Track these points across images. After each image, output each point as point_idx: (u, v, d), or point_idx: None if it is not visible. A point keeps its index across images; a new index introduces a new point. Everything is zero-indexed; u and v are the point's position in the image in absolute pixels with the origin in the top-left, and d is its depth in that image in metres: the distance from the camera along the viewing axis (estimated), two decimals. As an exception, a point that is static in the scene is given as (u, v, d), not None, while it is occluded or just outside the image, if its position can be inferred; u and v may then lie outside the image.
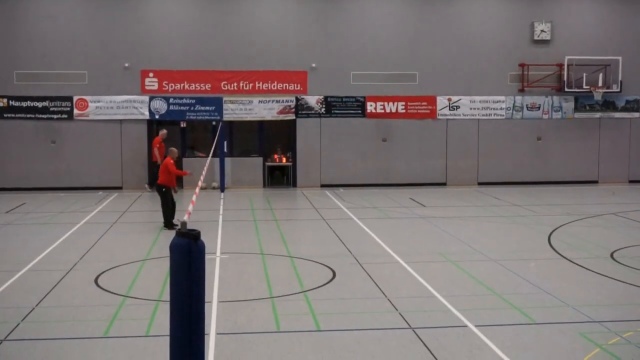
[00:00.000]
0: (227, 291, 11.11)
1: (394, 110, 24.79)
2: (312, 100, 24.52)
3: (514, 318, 9.95)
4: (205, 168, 17.25)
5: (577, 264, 13.19)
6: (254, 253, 14.24)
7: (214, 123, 24.14)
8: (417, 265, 12.98)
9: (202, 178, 15.29)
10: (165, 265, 12.82)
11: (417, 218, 18.68)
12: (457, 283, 11.92)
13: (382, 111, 24.76)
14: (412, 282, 11.89)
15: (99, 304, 10.60)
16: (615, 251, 14.18)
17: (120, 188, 23.94)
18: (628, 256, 13.80)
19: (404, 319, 9.78)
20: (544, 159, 25.23)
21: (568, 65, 24.67)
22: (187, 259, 5.50)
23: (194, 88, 24.23)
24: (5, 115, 23.71)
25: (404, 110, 24.81)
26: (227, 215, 18.78)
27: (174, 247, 5.71)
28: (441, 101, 24.93)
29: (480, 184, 25.15)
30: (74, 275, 12.32)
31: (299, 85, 24.48)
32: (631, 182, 25.58)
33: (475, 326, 9.46)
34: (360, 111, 24.71)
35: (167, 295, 10.73)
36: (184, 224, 5.81)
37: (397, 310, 10.16)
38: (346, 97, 24.65)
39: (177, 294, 5.67)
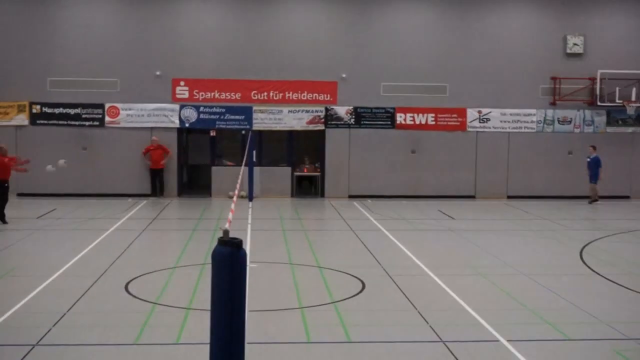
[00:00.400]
0: (257, 301, 11.08)
1: (423, 122, 24.71)
2: (342, 110, 24.51)
3: (547, 333, 9.83)
4: (239, 177, 17.34)
5: (610, 280, 13.01)
6: (283, 263, 14.22)
7: (243, 132, 24.22)
8: (447, 278, 12.88)
9: (237, 187, 15.33)
10: (195, 273, 12.86)
11: (446, 230, 18.57)
12: (488, 297, 11.81)
13: (412, 122, 24.69)
14: (442, 295, 11.79)
15: (129, 310, 10.64)
16: (649, 268, 13.99)
17: (149, 195, 24.07)
18: (662, 273, 13.61)
19: (435, 332, 9.69)
20: (576, 173, 24.95)
21: (601, 79, 24.44)
22: (229, 267, 5.48)
23: (224, 97, 24.34)
24: (38, 121, 23.98)
25: (433, 122, 24.72)
26: (255, 225, 18.80)
27: (216, 256, 5.68)
28: (471, 113, 24.81)
29: (509, 197, 24.95)
30: (105, 281, 12.38)
31: (328, 95, 24.49)
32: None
33: (508, 341, 9.34)
34: (389, 122, 24.66)
35: (197, 303, 10.76)
36: (226, 232, 5.79)
37: (427, 323, 10.08)
38: (376, 108, 24.62)
39: (218, 302, 5.64)
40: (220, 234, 5.86)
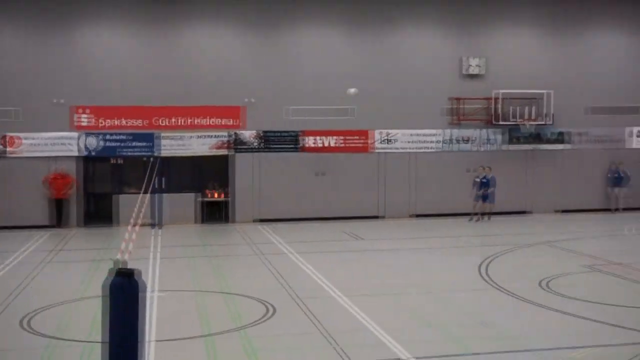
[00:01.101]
0: (161, 330, 10.89)
1: (331, 144, 24.93)
2: (249, 134, 24.48)
3: (453, 349, 10.02)
4: (138, 205, 17.02)
5: (510, 293, 13.37)
6: (190, 290, 14.04)
7: (147, 159, 23.83)
8: (355, 298, 12.98)
9: (136, 215, 15.05)
10: (97, 305, 12.53)
11: (354, 251, 18.74)
12: (395, 315, 11.97)
13: (319, 145, 24.87)
14: (350, 316, 11.87)
15: (26, 347, 10.27)
16: (545, 279, 14.45)
17: (52, 226, 23.37)
18: (558, 284, 14.08)
19: (345, 353, 9.74)
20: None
21: (501, 99, 25.23)
22: (121, 297, 5.37)
23: (129, 124, 23.93)
24: None
25: (340, 144, 24.97)
26: (164, 253, 18.51)
27: (109, 287, 5.56)
28: (377, 135, 25.19)
29: (416, 216, 25.38)
30: (1, 318, 11.92)
31: (235, 120, 24.42)
32: (560, 211, 26.14)
33: (415, 358, 9.48)
34: (297, 145, 24.77)
35: (98, 336, 10.49)
36: (117, 262, 5.68)
37: (338, 344, 10.12)
38: (283, 131, 24.69)
39: (111, 334, 5.51)
40: (120, 265, 5.74)
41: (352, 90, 19.85)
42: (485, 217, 24.13)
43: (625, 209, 26.06)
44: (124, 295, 5.38)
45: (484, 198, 24.05)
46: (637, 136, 26.79)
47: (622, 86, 26.52)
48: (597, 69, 26.35)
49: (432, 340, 10.47)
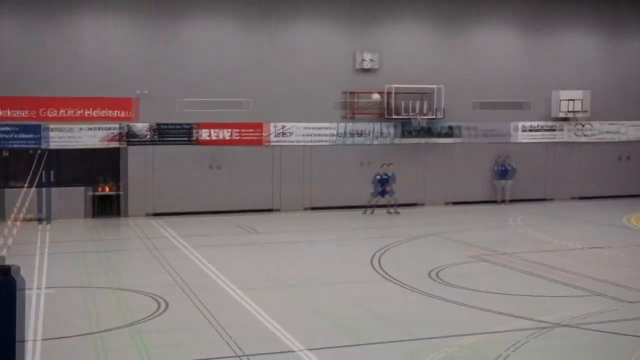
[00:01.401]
0: (50, 328, 10.59)
1: (226, 137, 24.79)
2: (142, 127, 24.04)
3: (345, 340, 10.19)
4: (20, 199, 16.44)
5: (400, 284, 13.70)
6: (80, 287, 13.70)
7: (32, 151, 23.01)
8: (250, 292, 12.99)
9: (18, 210, 14.54)
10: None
11: (249, 245, 18.74)
12: (289, 308, 12.06)
13: (214, 138, 24.69)
14: (244, 309, 11.88)
15: None
16: (434, 270, 14.87)
17: None
18: (446, 274, 14.52)
19: (237, 346, 9.75)
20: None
21: (394, 93, 25.72)
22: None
23: (15, 115, 23.06)
24: None
25: (235, 137, 24.87)
26: (52, 248, 17.94)
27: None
28: (272, 128, 25.22)
29: (311, 208, 25.59)
30: None
31: (127, 112, 23.91)
32: (451, 203, 26.94)
33: (307, 349, 9.59)
34: (191, 138, 24.50)
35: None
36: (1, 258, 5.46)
37: (231, 338, 10.12)
38: (177, 124, 24.37)
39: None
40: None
41: (375, 96, 20.87)
42: (392, 210, 24.40)
43: (511, 201, 27.08)
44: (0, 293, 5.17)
45: (382, 193, 24.44)
46: (522, 131, 27.84)
47: (508, 82, 27.50)
48: (485, 65, 27.23)
49: (324, 331, 10.61)
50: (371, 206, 24.51)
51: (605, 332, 10.46)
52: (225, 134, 24.78)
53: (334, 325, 10.98)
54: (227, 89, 24.69)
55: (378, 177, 24.52)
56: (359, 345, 9.95)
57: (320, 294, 13.09)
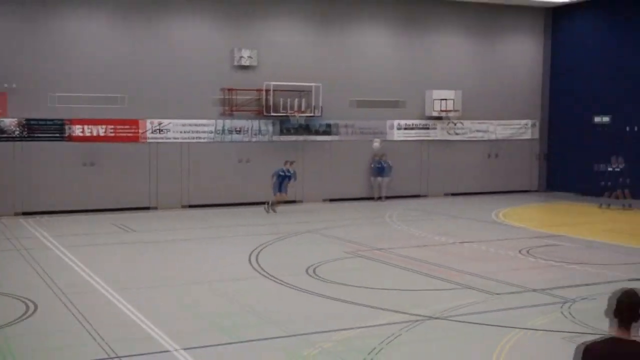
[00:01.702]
0: None
1: (100, 134, 24.11)
2: (9, 122, 23.01)
3: (221, 338, 10.13)
4: None
5: (278, 281, 13.76)
6: (-58, 290, 12.99)
7: None
8: (124, 292, 12.71)
9: None
10: None
11: (125, 244, 18.32)
12: (165, 308, 11.88)
13: (87, 134, 23.95)
14: (118, 310, 11.62)
15: None
16: (311, 266, 15.02)
17: None
18: (323, 270, 14.70)
19: (110, 348, 9.51)
20: (250, 180, 26.01)
21: (272, 91, 25.76)
22: None
23: None
24: None
25: (110, 134, 24.23)
26: None
27: None
28: (148, 124, 24.73)
29: (190, 206, 25.28)
30: None
31: (-6, 107, 22.86)
32: (328, 200, 27.29)
33: (183, 349, 9.48)
34: (63, 134, 23.67)
35: None
36: None
37: (104, 339, 9.86)
38: (48, 119, 23.49)
39: None
40: None
41: (376, 144, 20.86)
42: (270, 208, 24.22)
43: (387, 197, 27.71)
44: None
45: (280, 189, 24.25)
46: (398, 129, 28.52)
47: (384, 81, 28.10)
48: (362, 64, 27.70)
49: (201, 331, 10.51)
50: (269, 202, 24.24)
51: (473, 323, 10.87)
52: (100, 130, 24.10)
53: (210, 323, 10.90)
54: (102, 84, 24.04)
55: (282, 173, 24.22)
56: (235, 343, 9.93)
57: (196, 293, 12.96)
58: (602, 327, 10.50)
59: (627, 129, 27.35)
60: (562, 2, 29.77)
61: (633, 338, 4.75)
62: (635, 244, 17.96)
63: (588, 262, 15.57)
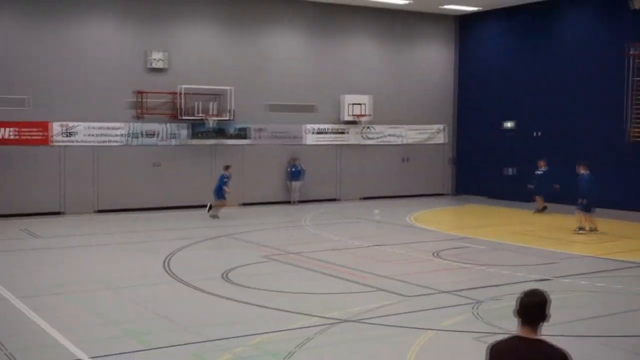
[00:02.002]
0: None
1: (4, 137, 23.26)
2: None
3: (131, 346, 9.88)
4: None
5: (192, 286, 13.56)
6: None
7: None
8: (30, 300, 12.27)
9: None
10: None
11: (31, 250, 17.72)
12: (73, 315, 11.53)
13: (-9, 137, 23.12)
14: (24, 318, 11.20)
15: None
16: (227, 271, 14.87)
17: None
18: (238, 275, 14.57)
19: (14, 357, 9.15)
20: (162, 184, 25.62)
21: (184, 94, 25.42)
22: None
23: None
24: None
25: (15, 137, 23.41)
26: None
27: None
28: (56, 127, 24.02)
29: (100, 211, 24.68)
30: None
31: None
32: (243, 204, 27.10)
33: (91, 358, 9.21)
34: (-35, 137, 22.77)
35: None
36: None
37: (7, 349, 9.48)
38: (-52, 121, 22.56)
39: None
40: None
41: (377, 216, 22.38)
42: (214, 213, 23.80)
43: (302, 201, 27.74)
44: None
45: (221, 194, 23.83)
46: (313, 133, 28.61)
47: (298, 85, 28.17)
48: (275, 68, 27.67)
49: (111, 338, 10.24)
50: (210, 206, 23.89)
51: (387, 325, 10.95)
52: (5, 133, 23.26)
53: (121, 330, 10.63)
54: (7, 85, 23.22)
55: (225, 179, 23.74)
56: (146, 350, 9.71)
57: (106, 299, 12.64)
58: (511, 327, 10.76)
59: (535, 134, 28.19)
60: (467, 11, 30.50)
61: (538, 337, 4.85)
62: (540, 245, 18.50)
63: (496, 264, 15.94)
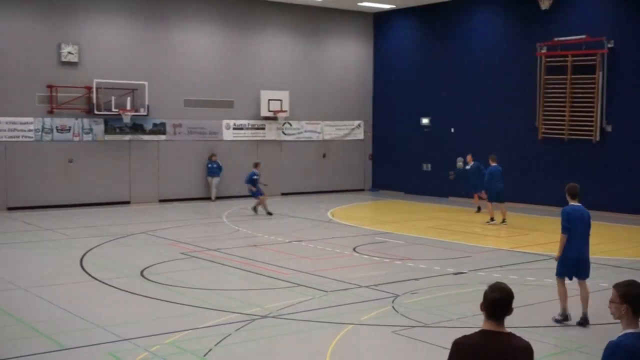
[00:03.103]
0: None
1: None
2: None
3: (43, 346, 9.59)
4: None
5: (108, 285, 13.27)
6: None
7: None
8: None
9: None
10: None
11: (-64, 249, 17.00)
12: (-20, 316, 11.10)
13: None
14: None
15: None
16: (145, 269, 14.62)
17: None
18: (156, 272, 14.34)
19: None
20: (76, 181, 24.99)
21: (97, 89, 24.83)
22: None
23: None
24: None
25: None
26: None
27: None
28: (-37, 122, 23.15)
29: (9, 208, 23.87)
30: None
31: None
32: (161, 201, 26.71)
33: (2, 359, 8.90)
34: None
35: None
36: None
37: None
38: None
39: None
40: None
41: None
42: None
43: (219, 197, 27.52)
44: None
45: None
46: (231, 129, 28.40)
47: (215, 81, 27.90)
48: (190, 62, 27.28)
49: (23, 338, 9.91)
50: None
51: (306, 320, 10.95)
52: None
53: (32, 330, 10.29)
54: None
55: (255, 176, 23.57)
56: (61, 350, 9.43)
57: (17, 299, 12.23)
58: (428, 320, 10.93)
59: (452, 130, 28.71)
60: (383, 9, 30.83)
61: (506, 330, 4.87)
62: (457, 239, 18.87)
63: (414, 258, 16.16)
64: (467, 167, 24.29)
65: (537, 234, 20.05)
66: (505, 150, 25.48)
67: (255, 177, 23.58)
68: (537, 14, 25.48)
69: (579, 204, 11.02)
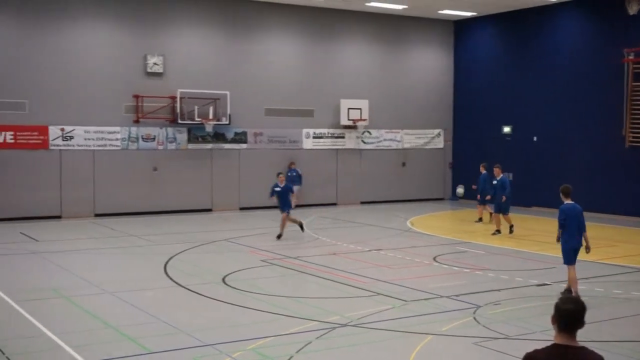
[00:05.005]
0: None
1: (3, 141, 23.22)
2: None
3: (130, 350, 9.85)
4: None
5: (191, 290, 13.53)
6: None
7: None
8: (28, 303, 12.24)
9: None
10: None
11: (29, 254, 17.66)
12: (71, 319, 11.50)
13: (-11, 141, 23.07)
14: (22, 322, 11.16)
15: None
16: (226, 275, 14.84)
17: None
18: (237, 279, 14.54)
19: (11, 363, 9.12)
20: (160, 189, 25.60)
21: (181, 98, 25.42)
22: None
23: None
24: None
25: (12, 141, 23.36)
26: None
27: None
28: (53, 131, 23.99)
29: (97, 215, 24.63)
30: None
31: None
32: (241, 209, 27.08)
33: (89, 362, 9.17)
34: (-37, 141, 22.72)
35: None
36: None
37: (4, 354, 9.43)
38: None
39: None
40: None
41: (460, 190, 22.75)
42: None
43: (299, 206, 27.67)
44: None
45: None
46: (312, 137, 28.59)
47: (295, 90, 28.17)
48: (271, 72, 27.66)
49: (110, 342, 10.20)
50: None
51: (386, 330, 10.92)
52: (3, 137, 23.22)
53: (120, 334, 10.59)
54: (5, 89, 23.20)
55: (277, 188, 20.63)
56: (145, 354, 9.66)
57: (104, 303, 12.60)
58: (510, 332, 10.74)
59: (535, 139, 28.16)
60: (463, 16, 30.53)
61: (579, 344, 4.74)
62: (537, 249, 18.49)
63: (495, 269, 15.92)
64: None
65: (625, 245, 19.46)
66: (590, 159, 24.85)
67: (277, 188, 20.45)
68: (624, 19, 24.80)
69: (572, 202, 12.77)
